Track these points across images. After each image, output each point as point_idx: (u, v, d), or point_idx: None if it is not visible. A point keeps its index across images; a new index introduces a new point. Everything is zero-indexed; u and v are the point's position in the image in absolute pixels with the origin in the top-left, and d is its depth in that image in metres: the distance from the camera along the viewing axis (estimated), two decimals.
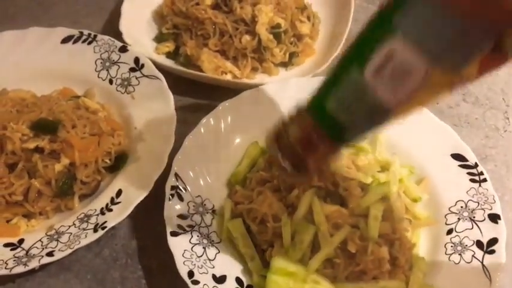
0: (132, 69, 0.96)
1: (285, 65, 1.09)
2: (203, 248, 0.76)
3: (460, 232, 0.80)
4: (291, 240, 0.75)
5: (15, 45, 0.99)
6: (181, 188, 0.80)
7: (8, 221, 0.81)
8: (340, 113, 0.50)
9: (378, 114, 0.48)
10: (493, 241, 0.78)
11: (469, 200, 0.83)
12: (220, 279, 0.73)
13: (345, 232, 0.74)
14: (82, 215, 0.79)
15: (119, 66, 0.97)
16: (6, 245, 0.76)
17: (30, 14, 1.20)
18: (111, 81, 0.96)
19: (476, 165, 0.86)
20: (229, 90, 0.98)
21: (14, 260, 0.73)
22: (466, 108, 1.07)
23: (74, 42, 1.00)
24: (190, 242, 0.76)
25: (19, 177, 0.81)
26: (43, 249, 0.74)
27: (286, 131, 0.60)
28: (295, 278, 0.72)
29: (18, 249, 0.75)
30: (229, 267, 0.76)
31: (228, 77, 1.06)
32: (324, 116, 0.52)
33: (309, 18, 1.13)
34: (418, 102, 0.46)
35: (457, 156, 0.88)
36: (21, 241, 0.77)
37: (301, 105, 0.57)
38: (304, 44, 1.11)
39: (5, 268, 0.71)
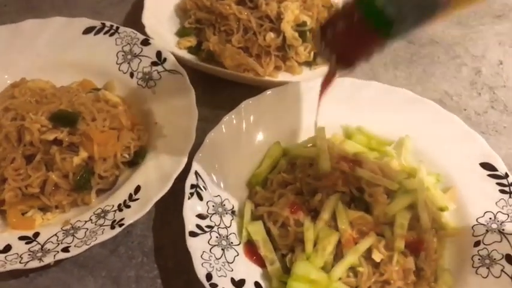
0: (154, 63, 0.94)
1: (309, 64, 1.07)
2: (222, 249, 0.74)
3: (488, 245, 0.77)
4: (313, 246, 0.73)
5: (37, 34, 0.97)
6: (201, 186, 0.78)
7: (23, 214, 0.79)
8: (389, 6, 0.51)
9: (427, 5, 0.49)
10: None
11: (498, 212, 0.80)
12: (239, 283, 0.71)
13: (370, 240, 0.72)
14: (99, 211, 0.78)
15: (140, 59, 0.95)
16: (21, 238, 0.75)
17: (52, 3, 1.18)
18: (132, 75, 0.94)
19: (506, 176, 0.83)
20: (252, 88, 0.96)
21: (29, 255, 0.71)
22: (494, 115, 1.04)
23: (96, 34, 0.98)
24: (209, 243, 0.74)
25: (36, 169, 0.79)
26: (58, 244, 0.73)
27: (334, 22, 0.61)
28: (316, 285, 0.70)
29: (34, 243, 0.74)
30: (249, 271, 0.74)
31: (251, 74, 1.03)
32: (371, 9, 0.53)
33: None
34: None
35: (486, 165, 0.84)
36: (36, 235, 0.75)
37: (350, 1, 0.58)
38: None
39: (20, 262, 0.69)
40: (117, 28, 0.98)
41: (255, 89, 0.94)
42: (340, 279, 0.71)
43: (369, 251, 0.72)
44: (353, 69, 0.64)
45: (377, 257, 0.71)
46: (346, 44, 0.60)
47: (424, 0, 0.50)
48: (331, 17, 0.64)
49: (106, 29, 0.98)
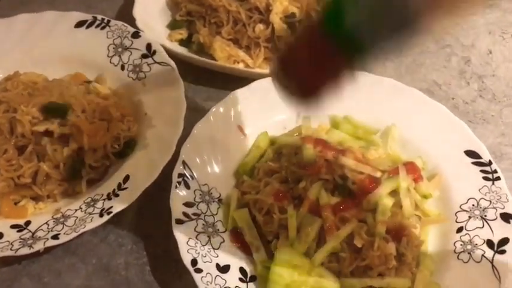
0: (144, 56, 0.96)
1: None
2: (208, 236, 0.76)
3: (470, 230, 0.79)
4: (296, 233, 0.74)
5: (29, 28, 0.99)
6: (188, 175, 0.80)
7: (16, 203, 0.81)
8: (361, 25, 0.42)
9: (403, 21, 0.41)
10: (504, 241, 0.76)
11: (481, 198, 0.81)
12: (224, 269, 0.73)
13: (351, 226, 0.73)
14: (89, 200, 0.79)
15: (131, 52, 0.97)
16: (12, 227, 0.77)
17: None
18: (122, 67, 0.96)
19: (490, 163, 0.84)
20: (241, 80, 0.97)
21: (20, 242, 0.73)
22: (482, 104, 1.05)
23: (88, 27, 0.99)
24: (195, 231, 0.75)
25: (28, 160, 0.81)
26: (49, 232, 0.75)
27: (295, 48, 0.52)
28: (299, 270, 0.72)
29: (25, 231, 0.76)
30: (234, 257, 0.76)
31: (241, 66, 1.05)
32: (340, 30, 0.44)
33: None
34: (448, 9, 0.40)
35: (471, 153, 0.86)
36: (27, 223, 0.77)
37: (312, 20, 0.51)
38: None
39: (11, 249, 0.72)
40: (108, 21, 0.99)
41: (245, 80, 0.95)
42: (322, 264, 0.73)
43: (351, 237, 0.73)
44: (319, 106, 0.54)
45: (358, 242, 0.72)
46: (312, 74, 0.50)
47: (399, 11, 0.41)
48: (289, 43, 0.55)
49: (97, 22, 1.00)
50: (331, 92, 0.52)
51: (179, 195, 0.78)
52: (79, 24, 1.00)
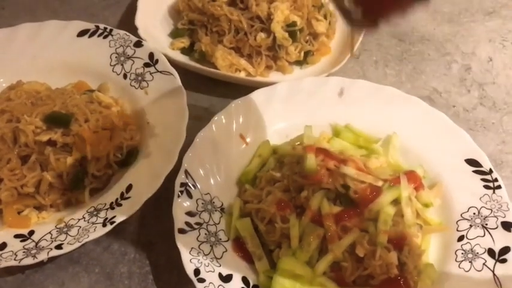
0: (146, 65, 0.96)
1: (299, 63, 1.09)
2: (210, 246, 0.76)
3: (471, 239, 0.79)
4: (298, 242, 0.75)
5: (32, 37, 0.99)
6: (190, 185, 0.80)
7: (19, 213, 0.82)
8: None
9: None
10: (505, 250, 0.77)
11: (482, 207, 0.82)
12: (227, 278, 0.73)
13: (353, 235, 0.73)
14: (92, 209, 0.80)
15: (133, 61, 0.97)
16: (16, 236, 0.77)
17: (48, 6, 1.20)
18: (125, 76, 0.97)
19: (490, 172, 0.84)
20: (243, 88, 0.98)
21: (24, 252, 0.74)
22: (483, 112, 1.05)
23: (90, 36, 1.00)
24: (197, 240, 0.76)
25: (31, 170, 0.82)
26: (52, 241, 0.75)
27: None
28: (301, 280, 0.72)
29: (28, 241, 0.76)
30: (236, 266, 0.76)
31: (242, 74, 1.05)
32: None
33: (325, 17, 1.12)
34: None
35: (472, 162, 0.86)
36: (31, 233, 0.78)
37: None
38: (320, 43, 1.10)
39: (14, 259, 0.72)
40: (111, 30, 1.00)
41: (247, 88, 0.96)
42: (324, 273, 0.73)
43: (353, 246, 0.74)
44: (379, 29, 0.52)
45: (360, 251, 0.72)
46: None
47: None
48: None
49: (100, 31, 1.00)
50: (397, 16, 0.50)
51: (181, 204, 0.78)
52: (82, 33, 1.00)
